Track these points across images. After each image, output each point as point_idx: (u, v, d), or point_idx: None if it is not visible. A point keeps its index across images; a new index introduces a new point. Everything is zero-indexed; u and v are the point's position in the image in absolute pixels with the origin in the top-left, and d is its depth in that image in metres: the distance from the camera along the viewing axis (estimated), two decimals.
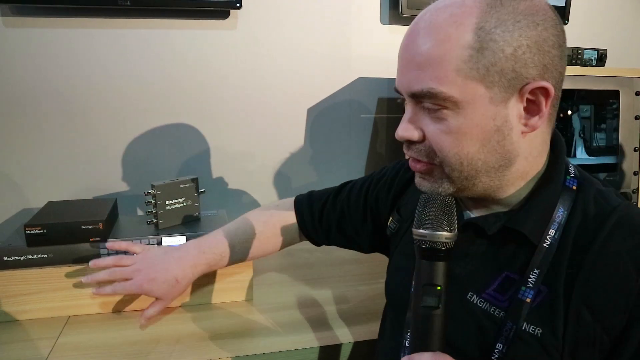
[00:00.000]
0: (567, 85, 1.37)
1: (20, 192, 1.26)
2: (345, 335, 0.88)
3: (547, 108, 0.53)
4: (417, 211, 0.55)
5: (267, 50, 1.31)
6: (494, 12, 0.51)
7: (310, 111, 1.39)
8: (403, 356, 0.52)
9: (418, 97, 0.55)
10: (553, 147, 0.61)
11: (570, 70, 1.19)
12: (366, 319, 0.94)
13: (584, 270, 0.53)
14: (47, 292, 0.90)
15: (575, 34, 1.47)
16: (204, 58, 1.28)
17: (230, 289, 0.99)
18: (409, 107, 0.57)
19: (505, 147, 0.54)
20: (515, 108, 0.53)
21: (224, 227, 0.90)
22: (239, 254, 0.88)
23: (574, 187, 0.58)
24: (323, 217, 0.89)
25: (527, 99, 0.53)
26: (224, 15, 1.26)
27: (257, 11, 1.28)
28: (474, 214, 0.63)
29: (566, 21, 1.42)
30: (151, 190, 0.97)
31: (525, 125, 0.54)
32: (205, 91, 1.31)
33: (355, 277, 1.12)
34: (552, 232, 0.55)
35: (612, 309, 0.51)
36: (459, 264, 0.61)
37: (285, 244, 0.94)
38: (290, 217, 0.92)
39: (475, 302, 0.59)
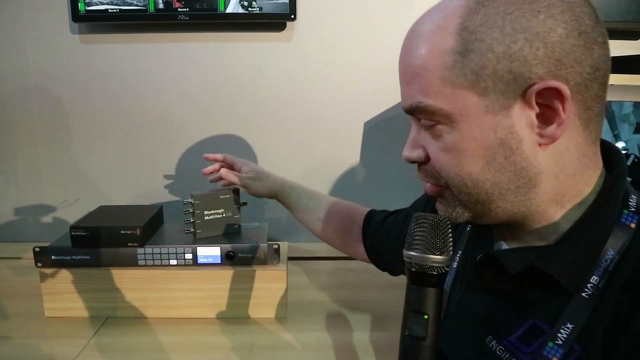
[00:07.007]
0: None
1: (88, 196, 1.36)
2: None
3: (566, 113, 0.43)
4: (408, 230, 0.49)
5: (323, 62, 1.29)
6: (482, 7, 0.43)
7: (366, 125, 1.33)
8: None
9: (410, 114, 0.50)
10: (611, 169, 0.50)
11: None
12: None
13: (629, 335, 0.41)
14: (88, 292, 0.94)
15: None
16: (260, 70, 1.29)
17: (262, 305, 0.96)
18: (412, 125, 0.52)
19: (517, 164, 0.45)
20: (523, 115, 0.44)
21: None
22: (301, 205, 0.95)
23: (633, 225, 0.46)
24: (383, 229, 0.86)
25: (539, 103, 0.44)
26: (280, 27, 1.26)
27: (312, 23, 1.26)
28: (506, 244, 0.54)
29: None
30: (190, 200, 0.97)
31: (540, 135, 0.45)
32: (260, 103, 1.32)
33: (400, 304, 1.03)
34: (595, 279, 0.44)
35: None
36: (480, 300, 0.53)
37: (344, 239, 0.92)
38: (360, 217, 0.90)
39: (494, 348, 0.50)
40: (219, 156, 0.98)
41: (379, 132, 1.34)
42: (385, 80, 1.30)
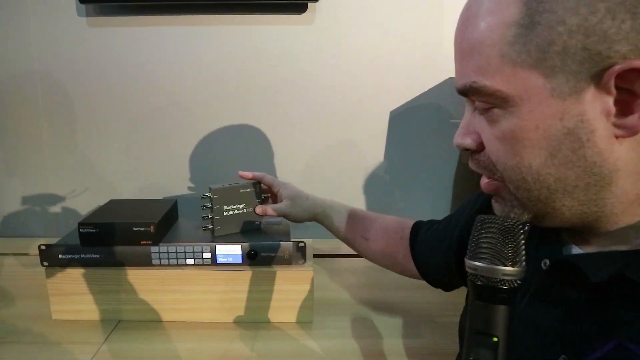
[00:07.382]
0: None
1: (96, 188, 1.29)
2: None
3: None
4: (471, 236, 0.42)
5: (347, 47, 1.20)
6: None
7: (392, 113, 1.25)
8: None
9: (464, 95, 0.45)
10: None
11: None
12: None
13: None
14: (98, 294, 0.87)
15: None
16: (278, 55, 1.21)
17: (285, 308, 0.89)
18: (466, 108, 0.47)
19: (587, 158, 0.39)
20: (598, 101, 0.37)
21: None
22: (341, 222, 0.88)
23: None
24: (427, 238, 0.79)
25: (618, 87, 0.36)
26: (301, 9, 1.17)
27: (336, 4, 1.17)
28: (578, 249, 0.46)
29: None
30: (208, 194, 0.90)
31: (617, 126, 0.37)
32: (279, 91, 1.23)
33: (434, 307, 0.96)
34: None
35: None
36: (550, 313, 0.46)
37: (393, 255, 0.84)
38: (407, 230, 0.83)
39: None
40: (258, 175, 0.92)
41: (406, 122, 1.25)
42: (414, 68, 1.20)
